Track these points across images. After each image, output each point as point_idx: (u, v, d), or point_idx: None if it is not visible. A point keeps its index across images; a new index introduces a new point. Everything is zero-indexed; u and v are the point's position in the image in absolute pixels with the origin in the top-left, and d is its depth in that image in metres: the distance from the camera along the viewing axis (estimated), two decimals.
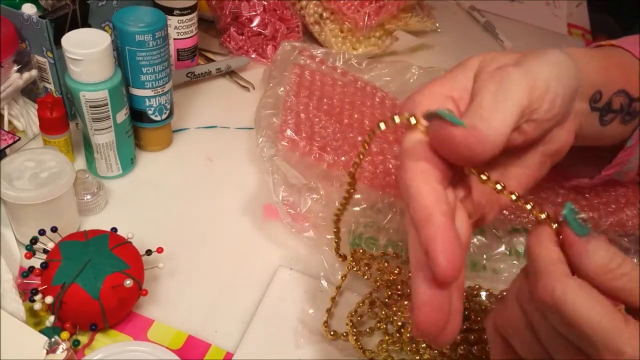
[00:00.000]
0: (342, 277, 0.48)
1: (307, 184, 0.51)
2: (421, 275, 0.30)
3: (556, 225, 0.31)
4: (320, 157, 0.53)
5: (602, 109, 0.40)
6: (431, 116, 0.31)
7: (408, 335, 0.43)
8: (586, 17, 0.98)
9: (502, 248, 0.50)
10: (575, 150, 0.48)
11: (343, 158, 0.53)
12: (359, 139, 0.56)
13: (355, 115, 0.60)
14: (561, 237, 0.30)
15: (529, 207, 0.32)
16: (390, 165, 0.54)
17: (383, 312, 0.46)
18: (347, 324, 0.45)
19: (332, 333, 0.45)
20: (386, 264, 0.48)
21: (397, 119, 0.32)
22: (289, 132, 0.55)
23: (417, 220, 0.30)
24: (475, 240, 0.50)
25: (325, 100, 0.61)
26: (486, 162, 0.31)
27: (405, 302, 0.46)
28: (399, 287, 0.47)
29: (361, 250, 0.49)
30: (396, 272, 0.48)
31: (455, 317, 0.31)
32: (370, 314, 0.46)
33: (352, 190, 0.39)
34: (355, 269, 0.48)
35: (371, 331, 0.45)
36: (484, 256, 0.50)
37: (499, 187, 0.31)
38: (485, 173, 0.32)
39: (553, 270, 0.29)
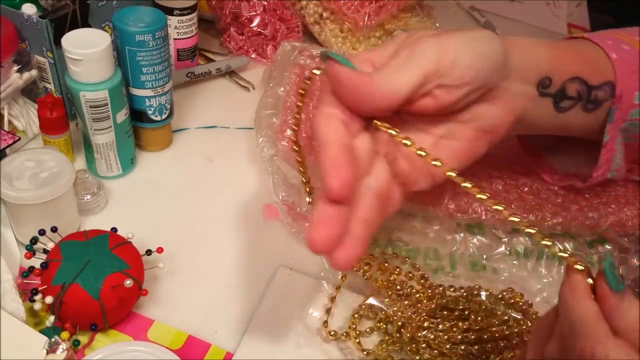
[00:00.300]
0: (341, 277, 0.48)
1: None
2: (320, 199, 0.33)
3: (589, 278, 0.31)
4: None
5: (555, 95, 0.42)
6: (324, 56, 0.34)
7: (408, 335, 0.43)
8: (586, 17, 0.98)
9: (502, 248, 0.50)
10: (569, 150, 0.48)
11: None
12: None
13: None
14: (589, 280, 0.30)
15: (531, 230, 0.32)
16: None
17: (383, 312, 0.46)
18: (349, 325, 0.45)
19: (332, 333, 0.45)
20: (386, 264, 0.48)
21: (317, 72, 0.37)
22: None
23: (317, 152, 0.34)
24: (475, 240, 0.50)
25: None
26: (384, 114, 0.36)
27: (406, 302, 0.46)
28: (398, 287, 0.47)
29: None
30: (396, 272, 0.48)
31: (354, 243, 0.34)
32: (371, 314, 0.46)
33: (299, 150, 0.43)
34: (355, 269, 0.48)
35: (371, 331, 0.45)
36: (484, 256, 0.50)
37: (407, 142, 0.35)
38: (396, 129, 0.35)
39: (593, 329, 0.29)
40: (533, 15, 0.96)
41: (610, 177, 0.47)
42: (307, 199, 0.46)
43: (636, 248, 0.50)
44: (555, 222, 0.50)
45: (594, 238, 0.51)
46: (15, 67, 0.56)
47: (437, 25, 0.86)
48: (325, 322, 0.45)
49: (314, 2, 0.77)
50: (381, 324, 0.45)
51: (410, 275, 0.48)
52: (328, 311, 0.46)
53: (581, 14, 0.99)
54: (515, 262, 0.50)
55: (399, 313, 0.45)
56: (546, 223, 0.50)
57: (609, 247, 0.51)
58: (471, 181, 0.33)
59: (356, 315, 0.46)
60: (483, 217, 0.50)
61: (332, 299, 0.47)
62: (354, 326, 0.45)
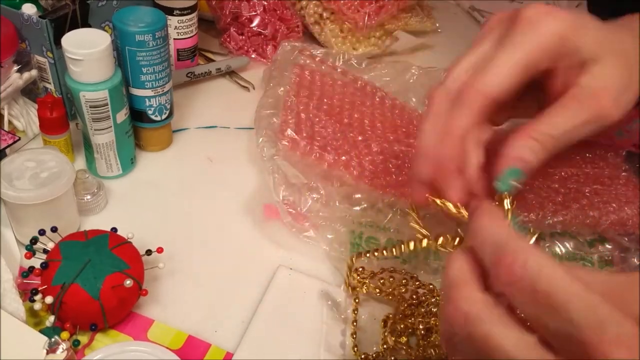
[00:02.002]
0: (354, 299, 0.47)
1: (308, 183, 0.51)
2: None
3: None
4: (320, 156, 0.53)
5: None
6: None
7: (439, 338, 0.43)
8: None
9: None
10: None
11: (343, 157, 0.53)
12: (359, 138, 0.56)
13: (355, 115, 0.60)
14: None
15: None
16: (391, 165, 0.54)
17: (402, 325, 0.45)
18: (382, 344, 0.44)
19: (363, 356, 0.43)
20: (391, 279, 0.47)
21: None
22: (289, 131, 0.55)
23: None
24: None
25: (325, 100, 0.61)
26: None
27: (422, 310, 0.45)
28: (414, 296, 0.46)
29: (360, 268, 0.48)
30: (403, 283, 0.47)
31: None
32: (388, 329, 0.45)
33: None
34: (365, 288, 0.47)
35: (398, 346, 0.45)
36: None
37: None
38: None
39: (518, 244, 0.27)
40: None
41: (616, 135, 0.48)
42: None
43: (636, 247, 0.50)
44: (555, 221, 0.50)
45: (594, 237, 0.51)
46: (15, 67, 0.56)
47: (437, 25, 0.86)
48: (355, 346, 0.44)
49: (314, 2, 0.77)
50: (403, 337, 0.44)
51: (418, 283, 0.47)
52: (354, 335, 0.45)
53: None
54: None
55: (420, 319, 0.44)
56: (547, 222, 0.50)
57: (609, 247, 0.51)
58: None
59: (386, 334, 0.45)
60: None
61: (354, 322, 0.45)
62: (385, 346, 0.44)
